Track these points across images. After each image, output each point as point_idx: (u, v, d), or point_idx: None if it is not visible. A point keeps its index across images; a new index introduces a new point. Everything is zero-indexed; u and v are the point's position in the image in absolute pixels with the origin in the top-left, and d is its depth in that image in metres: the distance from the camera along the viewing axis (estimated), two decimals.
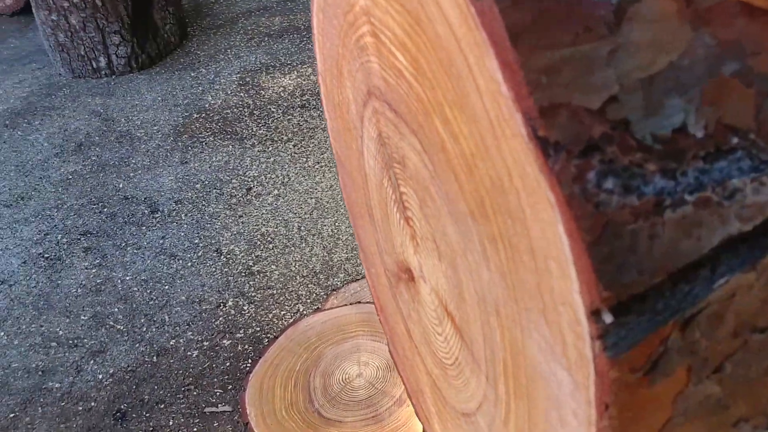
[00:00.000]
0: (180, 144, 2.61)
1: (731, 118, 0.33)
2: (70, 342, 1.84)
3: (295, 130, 2.65)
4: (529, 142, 0.32)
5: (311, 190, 2.34)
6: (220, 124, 2.71)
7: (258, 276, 2.03)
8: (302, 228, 2.19)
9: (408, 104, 0.48)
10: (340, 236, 2.15)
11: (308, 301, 1.97)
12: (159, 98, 2.91)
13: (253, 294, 1.97)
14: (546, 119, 0.32)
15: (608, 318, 0.31)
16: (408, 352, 0.68)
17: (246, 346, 1.82)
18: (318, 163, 2.46)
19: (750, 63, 0.34)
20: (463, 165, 0.41)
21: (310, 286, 2.00)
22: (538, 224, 0.34)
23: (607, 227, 0.31)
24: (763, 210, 0.33)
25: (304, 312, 1.93)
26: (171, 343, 1.82)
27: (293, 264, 2.06)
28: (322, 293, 1.99)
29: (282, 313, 1.94)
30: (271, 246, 2.13)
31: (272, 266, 2.06)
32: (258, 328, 1.88)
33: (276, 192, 2.34)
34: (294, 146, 2.56)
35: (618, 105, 0.32)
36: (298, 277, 2.02)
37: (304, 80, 2.97)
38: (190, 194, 2.35)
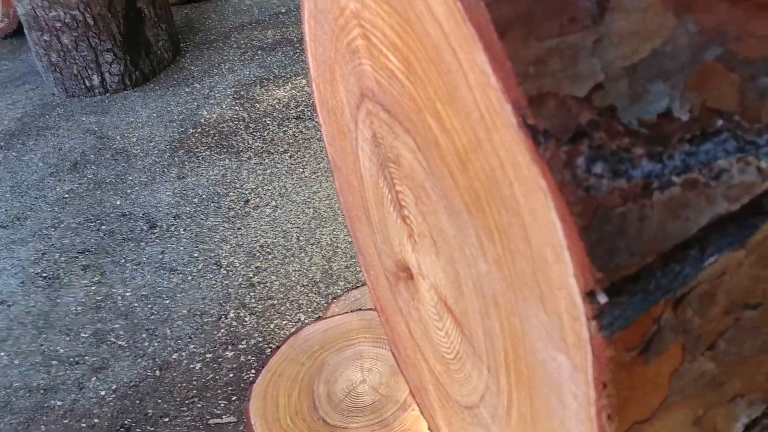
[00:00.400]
0: (176, 159, 2.62)
1: (715, 101, 0.34)
2: (71, 360, 1.84)
3: (291, 141, 2.66)
4: (520, 131, 0.33)
5: (309, 200, 2.35)
6: (216, 138, 2.72)
7: (258, 287, 2.03)
8: (301, 238, 2.20)
9: (401, 104, 0.49)
10: (339, 245, 2.15)
11: (309, 309, 1.98)
12: (154, 114, 2.92)
13: (254, 305, 1.97)
14: (535, 108, 0.33)
15: (602, 299, 0.32)
16: (410, 351, 0.69)
17: (249, 357, 1.83)
18: (315, 173, 2.47)
19: (733, 48, 0.35)
20: (456, 160, 0.42)
21: (310, 295, 2.00)
22: (532, 212, 0.35)
23: (598, 211, 0.32)
24: (750, 189, 0.34)
25: (306, 321, 1.93)
26: (173, 356, 1.83)
27: (293, 274, 2.06)
28: (323, 302, 2.00)
29: (284, 322, 1.94)
30: (270, 257, 2.14)
31: (272, 277, 2.06)
32: (260, 339, 1.88)
33: (274, 203, 2.35)
34: (290, 157, 2.56)
35: (604, 92, 0.33)
36: (298, 287, 2.02)
37: (299, 92, 2.98)
38: (188, 209, 2.35)
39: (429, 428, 0.71)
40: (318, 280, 2.05)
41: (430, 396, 0.67)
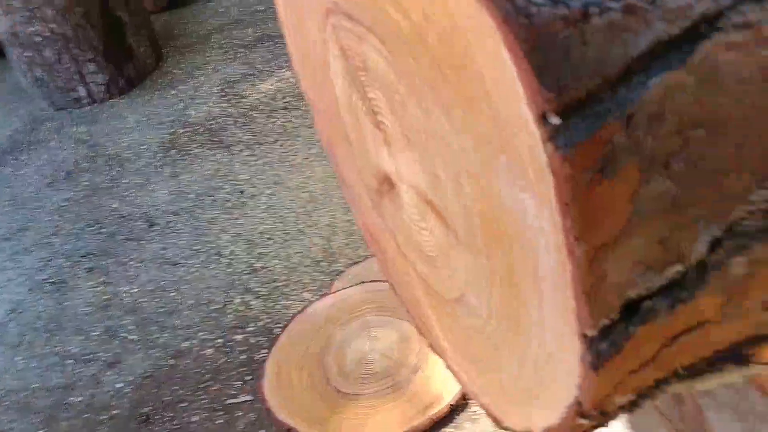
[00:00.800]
0: (169, 159, 2.64)
1: None
2: (86, 357, 1.87)
3: (280, 131, 2.68)
4: None
5: (303, 185, 2.37)
6: (206, 136, 2.74)
7: (261, 272, 2.05)
8: (299, 221, 2.22)
9: (360, 3, 0.51)
10: (337, 224, 2.17)
11: (314, 288, 2.00)
12: (143, 119, 2.94)
13: (258, 289, 2.00)
14: None
15: (555, 120, 0.34)
16: (400, 267, 0.71)
17: (259, 338, 1.85)
18: (306, 158, 2.49)
19: None
20: (417, 39, 0.44)
21: (313, 274, 2.03)
22: (485, 57, 0.37)
23: (541, 36, 0.34)
24: (687, 12, 0.36)
25: (311, 299, 1.95)
26: (185, 345, 1.85)
27: (294, 256, 2.09)
28: (327, 279, 2.02)
29: (289, 303, 1.96)
30: (270, 242, 2.16)
31: (274, 260, 2.08)
32: (268, 320, 1.90)
33: (269, 191, 2.37)
34: (281, 146, 2.59)
35: None
36: (300, 267, 2.04)
37: (284, 84, 3.00)
38: (185, 204, 2.38)
39: (430, 345, 0.73)
40: (320, 259, 2.07)
41: (423, 307, 0.69)
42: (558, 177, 0.35)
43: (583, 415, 0.46)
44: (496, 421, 0.62)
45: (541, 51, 0.34)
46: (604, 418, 0.49)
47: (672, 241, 0.38)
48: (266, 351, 1.79)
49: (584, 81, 0.35)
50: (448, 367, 0.71)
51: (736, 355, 0.50)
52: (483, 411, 0.65)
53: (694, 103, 0.37)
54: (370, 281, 1.90)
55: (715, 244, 0.40)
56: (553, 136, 0.35)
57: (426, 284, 0.64)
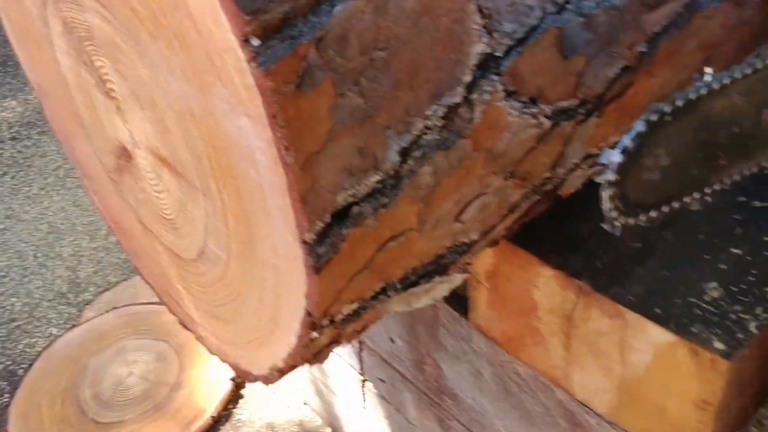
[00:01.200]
0: None
1: None
2: None
3: (9, 162, 2.48)
4: None
5: (41, 216, 2.21)
6: None
7: None
8: (38, 255, 2.07)
9: None
10: (83, 253, 2.06)
11: (60, 322, 1.88)
12: None
13: None
14: None
15: (255, 41, 0.40)
16: (146, 247, 0.72)
17: (0, 383, 1.69)
18: (43, 189, 2.33)
19: None
20: None
21: (59, 307, 1.90)
22: None
23: None
24: None
25: (59, 333, 1.83)
26: None
27: (36, 291, 1.94)
28: (75, 311, 1.90)
29: (33, 341, 1.82)
30: (6, 279, 1.98)
31: (12, 299, 1.92)
32: (9, 362, 1.75)
33: (1, 227, 2.18)
34: (12, 178, 2.39)
35: None
36: (44, 302, 1.91)
37: (9, 113, 2.78)
38: None
39: (181, 323, 0.75)
40: (65, 291, 1.95)
41: (173, 281, 0.71)
42: (264, 91, 0.40)
43: (314, 327, 0.51)
44: (246, 375, 0.66)
45: None
46: (335, 332, 0.55)
47: (368, 150, 0.46)
48: (9, 396, 1.65)
49: (278, 7, 0.40)
50: (198, 337, 0.73)
51: (440, 266, 0.59)
52: (231, 367, 0.68)
53: (372, 28, 0.44)
54: (123, 306, 1.83)
55: (404, 154, 0.47)
56: (255, 56, 0.40)
57: (171, 253, 0.66)
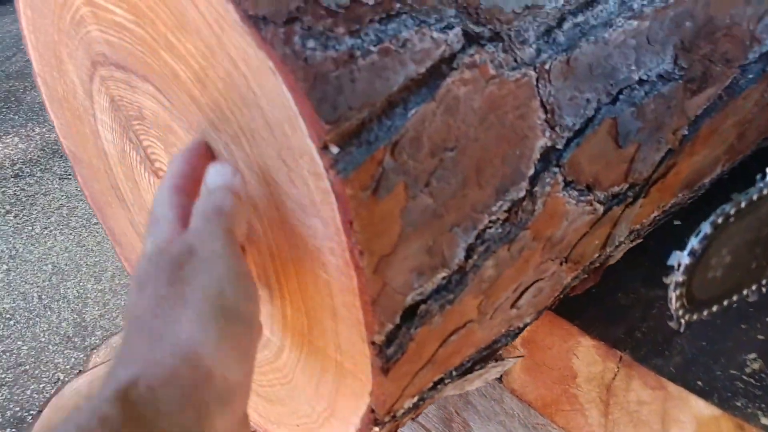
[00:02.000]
0: None
1: None
2: None
3: (13, 201, 2.47)
4: (243, 24, 0.39)
5: (45, 256, 2.20)
6: None
7: (5, 356, 1.85)
8: (43, 296, 2.05)
9: (134, 54, 0.52)
10: (88, 295, 2.05)
11: (67, 367, 1.85)
12: None
13: (2, 376, 1.80)
14: (252, 0, 0.39)
15: (335, 149, 0.39)
16: None
17: (8, 430, 1.66)
18: (46, 228, 2.32)
19: None
20: (196, 82, 0.47)
21: (66, 352, 1.88)
22: (267, 96, 0.41)
23: (317, 76, 0.39)
24: (430, 53, 0.43)
25: (66, 379, 1.81)
26: None
27: (42, 335, 1.92)
28: (82, 356, 1.88)
29: (41, 386, 1.80)
30: (12, 323, 1.96)
31: (18, 342, 1.90)
32: (17, 408, 1.72)
33: (5, 267, 2.16)
34: (15, 217, 2.38)
35: None
36: (50, 346, 1.89)
37: (12, 150, 2.78)
38: None
39: None
40: (71, 335, 1.93)
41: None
42: (341, 199, 0.40)
43: (377, 423, 0.50)
44: None
45: (318, 90, 0.39)
46: (395, 424, 0.54)
47: (436, 249, 0.45)
48: None
49: (356, 113, 0.40)
50: None
51: (494, 351, 0.59)
52: None
53: (442, 129, 0.44)
54: None
55: (470, 250, 0.47)
56: (334, 163, 0.39)
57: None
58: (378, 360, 0.44)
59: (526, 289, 0.54)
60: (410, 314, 0.45)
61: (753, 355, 0.74)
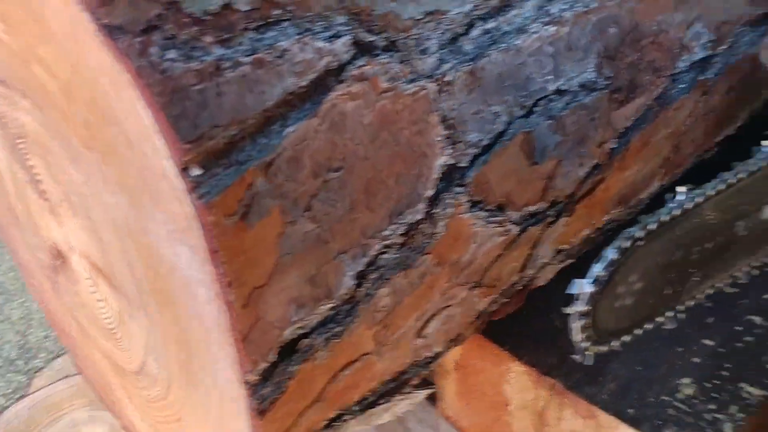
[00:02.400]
0: None
1: None
2: None
3: None
4: (98, 33, 0.36)
5: None
6: None
7: None
8: None
9: (10, 66, 0.48)
10: (33, 316, 1.97)
11: (9, 391, 1.78)
12: None
13: None
14: (107, 9, 0.35)
15: (195, 171, 0.36)
16: (85, 350, 0.67)
17: None
18: None
19: None
20: (65, 98, 0.43)
21: (7, 375, 1.81)
22: (126, 112, 0.37)
23: (175, 90, 0.35)
24: (312, 65, 0.40)
25: (6, 404, 1.74)
26: None
27: None
28: (25, 379, 1.81)
29: None
30: None
31: None
32: None
33: None
34: None
35: None
36: None
37: None
38: None
39: (124, 427, 0.69)
40: (14, 357, 1.86)
41: (114, 388, 0.65)
42: (205, 225, 0.36)
43: None
44: None
45: (177, 104, 0.35)
46: None
47: (320, 278, 0.42)
48: None
49: (222, 131, 0.37)
50: None
51: (401, 383, 0.55)
52: None
53: (326, 148, 0.41)
54: (76, 374, 1.74)
55: (360, 278, 0.44)
56: (195, 186, 0.36)
57: (111, 361, 0.61)
58: (252, 401, 0.41)
59: (433, 316, 0.51)
60: (290, 350, 0.42)
61: (687, 380, 0.71)
